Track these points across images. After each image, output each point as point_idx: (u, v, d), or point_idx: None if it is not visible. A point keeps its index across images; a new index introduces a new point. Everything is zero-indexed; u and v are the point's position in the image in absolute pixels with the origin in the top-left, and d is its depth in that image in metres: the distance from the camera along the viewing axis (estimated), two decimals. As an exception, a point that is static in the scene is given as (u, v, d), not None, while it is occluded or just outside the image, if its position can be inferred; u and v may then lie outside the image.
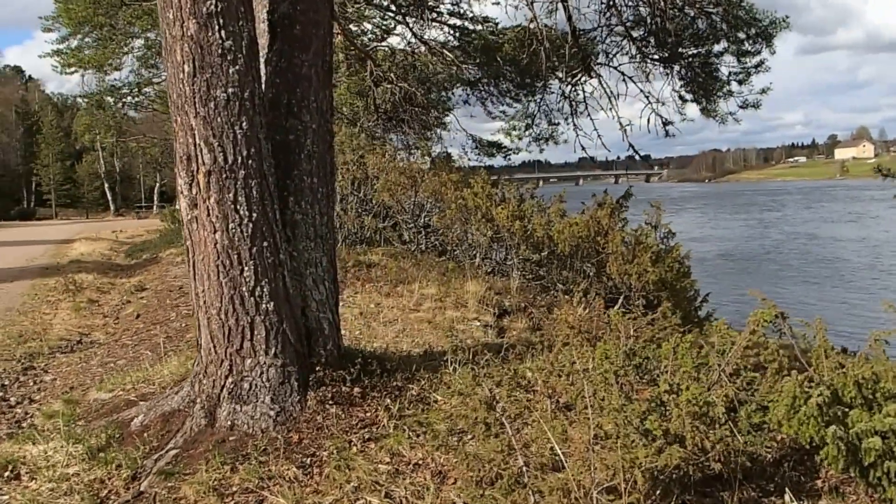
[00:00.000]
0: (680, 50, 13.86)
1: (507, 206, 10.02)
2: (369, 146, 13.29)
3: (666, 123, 14.34)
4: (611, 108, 13.78)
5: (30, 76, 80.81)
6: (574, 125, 14.93)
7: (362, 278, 9.45)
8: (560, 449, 3.25)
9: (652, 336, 5.47)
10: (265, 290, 4.48)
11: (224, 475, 3.88)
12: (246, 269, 4.43)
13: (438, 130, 18.02)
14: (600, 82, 14.01)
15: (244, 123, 4.41)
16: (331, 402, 4.56)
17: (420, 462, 3.96)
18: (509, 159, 24.14)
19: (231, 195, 4.38)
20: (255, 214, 4.44)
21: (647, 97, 14.11)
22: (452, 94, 18.02)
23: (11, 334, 8.15)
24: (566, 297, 9.28)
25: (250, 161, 4.43)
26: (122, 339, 7.48)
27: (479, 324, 7.60)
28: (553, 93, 17.35)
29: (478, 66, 18.95)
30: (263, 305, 4.48)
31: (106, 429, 4.54)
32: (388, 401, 4.64)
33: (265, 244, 4.48)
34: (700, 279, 11.10)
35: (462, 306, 8.27)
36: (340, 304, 8.66)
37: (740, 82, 14.40)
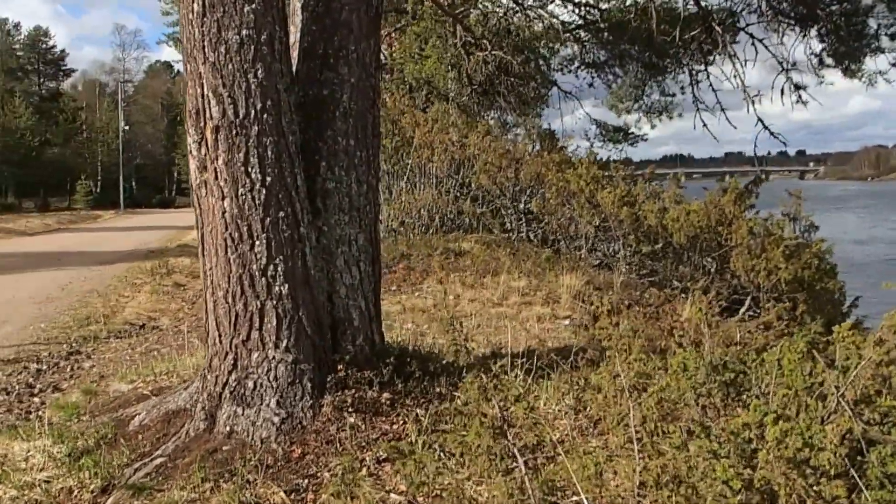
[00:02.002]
0: (821, 5, 12.04)
1: (613, 190, 8.96)
2: (467, 123, 12.51)
3: (798, 88, 12.58)
4: (735, 76, 12.23)
5: (178, 70, 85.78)
6: (695, 98, 13.45)
7: (448, 267, 8.70)
8: (589, 497, 2.36)
9: (766, 344, 4.38)
10: (279, 269, 3.79)
11: (200, 495, 3.23)
12: (257, 243, 3.76)
13: (539, 106, 16.90)
14: (724, 44, 12.46)
15: (259, 72, 3.74)
16: (350, 408, 3.81)
17: (444, 492, 3.15)
18: (635, 145, 22.64)
19: (241, 155, 3.72)
20: (269, 179, 3.76)
21: (779, 62, 12.45)
22: (553, 64, 16.80)
23: (79, 317, 8.02)
24: (682, 295, 8.16)
25: (266, 115, 3.76)
26: (182, 325, 7.14)
27: (568, 323, 6.67)
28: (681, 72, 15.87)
29: (603, 46, 17.71)
30: (276, 288, 3.80)
31: (102, 427, 4.02)
32: (422, 411, 3.85)
33: (281, 215, 3.80)
34: (859, 285, 9.59)
35: (553, 302, 7.35)
36: (412, 293, 8.05)
37: (893, 37, 12.31)
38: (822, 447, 2.30)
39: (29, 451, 3.77)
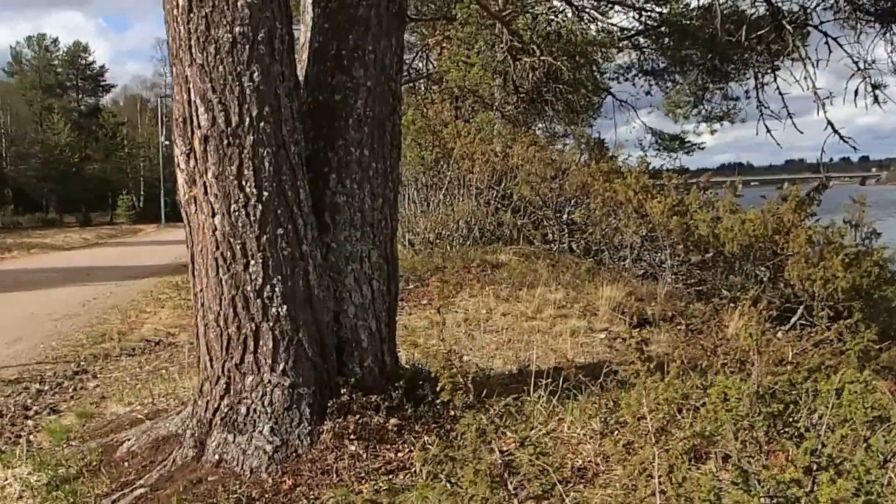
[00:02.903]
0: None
1: (663, 200, 8.71)
2: (512, 133, 12.36)
3: (876, 87, 12.08)
4: (805, 78, 11.84)
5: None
6: (760, 102, 13.05)
7: (483, 280, 8.57)
8: None
9: (821, 363, 4.14)
10: (277, 290, 3.71)
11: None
12: (252, 263, 3.69)
13: (589, 114, 16.61)
14: (792, 41, 12.07)
15: (255, 74, 3.66)
16: (352, 436, 3.70)
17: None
18: (692, 154, 22.20)
19: (234, 168, 3.65)
20: (266, 193, 3.68)
21: (854, 62, 11.99)
22: (607, 68, 16.46)
23: (93, 334, 8.11)
24: (731, 305, 7.86)
25: (262, 124, 3.69)
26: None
27: (604, 336, 6.47)
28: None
29: (663, 52, 17.30)
30: (273, 309, 3.72)
31: (88, 454, 3.99)
32: (431, 438, 3.72)
33: (280, 232, 3.72)
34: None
35: (591, 314, 7.16)
36: (443, 307, 7.93)
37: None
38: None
39: (6, 480, 3.76)
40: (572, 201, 10.70)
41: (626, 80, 18.68)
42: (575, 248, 10.39)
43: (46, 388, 5.86)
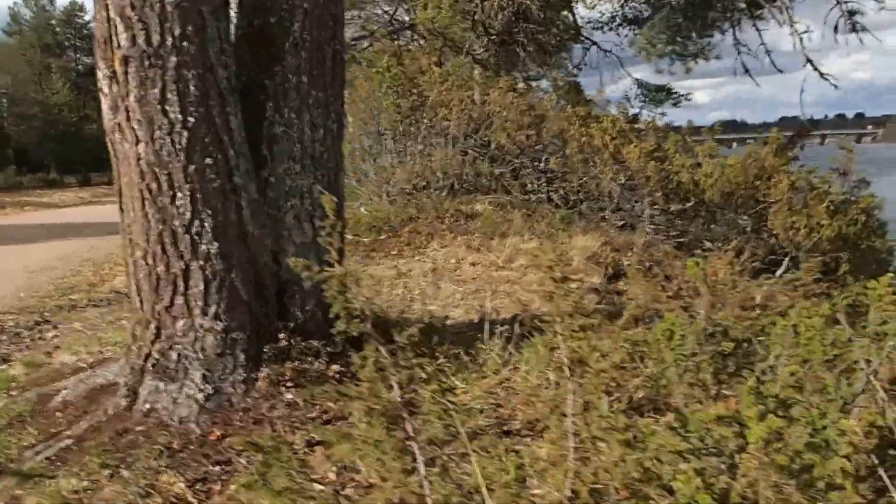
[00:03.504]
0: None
1: (640, 144, 8.26)
2: (490, 81, 11.81)
3: (853, 14, 11.50)
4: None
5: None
6: (736, 40, 12.46)
7: (456, 230, 8.15)
8: None
9: (791, 306, 3.76)
10: (207, 225, 3.30)
11: (93, 484, 2.79)
12: (179, 195, 3.27)
13: (562, 55, 15.90)
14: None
15: (178, -10, 3.22)
16: (289, 384, 3.33)
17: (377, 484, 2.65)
18: (678, 105, 21.67)
19: (156, 91, 3.21)
20: (191, 120, 3.25)
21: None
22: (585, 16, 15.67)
23: (63, 286, 7.70)
24: (714, 256, 7.48)
25: (186, 44, 3.24)
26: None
27: (576, 286, 6.06)
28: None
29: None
30: (203, 247, 3.31)
31: (23, 404, 3.62)
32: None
33: (208, 162, 3.29)
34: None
35: (564, 265, 6.74)
36: (412, 257, 7.53)
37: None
38: (835, 449, 1.70)
39: (-64, 431, 3.39)
40: (549, 149, 10.23)
41: (610, 29, 17.99)
42: (553, 198, 9.95)
43: (3, 337, 5.47)
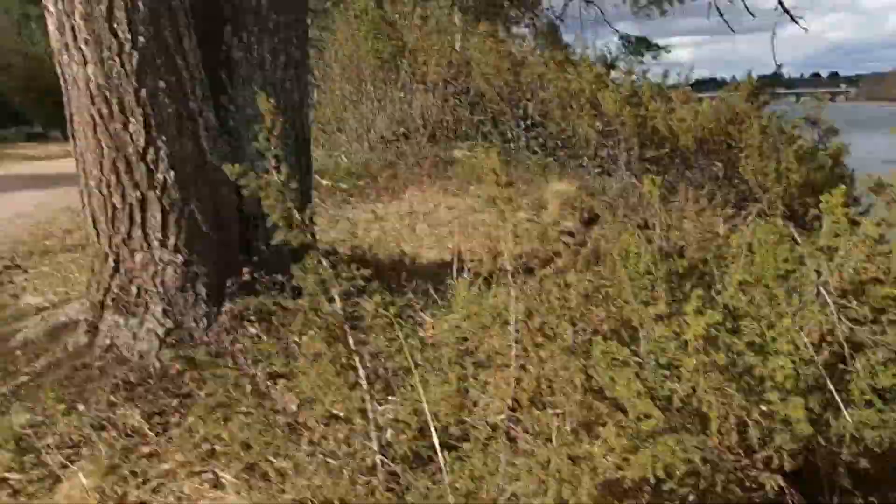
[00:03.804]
0: None
1: (616, 90, 8.03)
2: (467, 24, 11.46)
3: None
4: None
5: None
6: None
7: (434, 176, 7.93)
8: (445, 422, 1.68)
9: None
10: (162, 152, 3.07)
11: (48, 419, 2.62)
12: (132, 120, 3.03)
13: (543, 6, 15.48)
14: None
15: None
16: (253, 318, 3.15)
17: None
18: (657, 57, 21.49)
19: (103, 8, 2.94)
20: (141, 39, 2.99)
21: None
22: None
23: (37, 232, 7.42)
24: (685, 203, 7.33)
25: (135, -42, 2.98)
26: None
27: (550, 230, 5.91)
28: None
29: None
30: (160, 175, 3.09)
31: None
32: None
33: (161, 85, 3.05)
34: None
35: (540, 208, 6.58)
36: (390, 201, 7.33)
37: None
38: (776, 350, 1.56)
39: None
40: (528, 95, 9.96)
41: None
42: (532, 145, 9.73)
43: (-27, 283, 5.23)
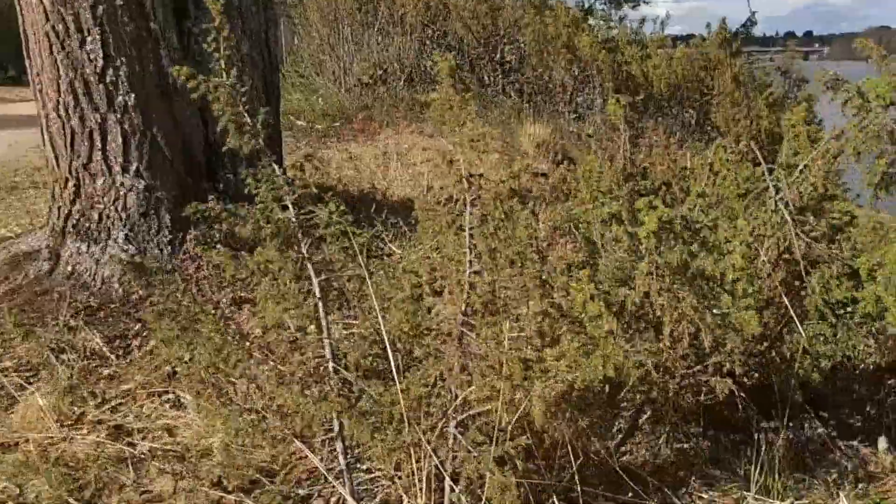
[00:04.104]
0: None
1: (593, 34, 7.88)
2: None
3: None
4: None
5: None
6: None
7: (410, 119, 7.78)
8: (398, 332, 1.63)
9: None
10: (122, 73, 2.93)
11: (5, 343, 2.53)
12: (89, 39, 2.87)
13: None
14: None
15: None
16: (218, 245, 3.05)
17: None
18: (636, 8, 21.21)
19: (58, -80, 2.77)
20: (99, -48, 2.83)
21: None
22: None
23: (6, 170, 7.20)
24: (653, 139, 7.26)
25: None
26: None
27: (524, 170, 5.82)
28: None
29: None
30: (120, 98, 2.94)
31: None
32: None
33: (118, 3, 2.89)
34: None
35: (515, 150, 6.49)
36: (364, 143, 7.19)
37: None
38: (728, 251, 1.52)
39: None
40: (506, 40, 9.75)
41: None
42: (509, 90, 9.57)
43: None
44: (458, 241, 1.68)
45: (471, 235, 1.60)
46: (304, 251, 1.69)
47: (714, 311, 1.64)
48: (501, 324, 1.61)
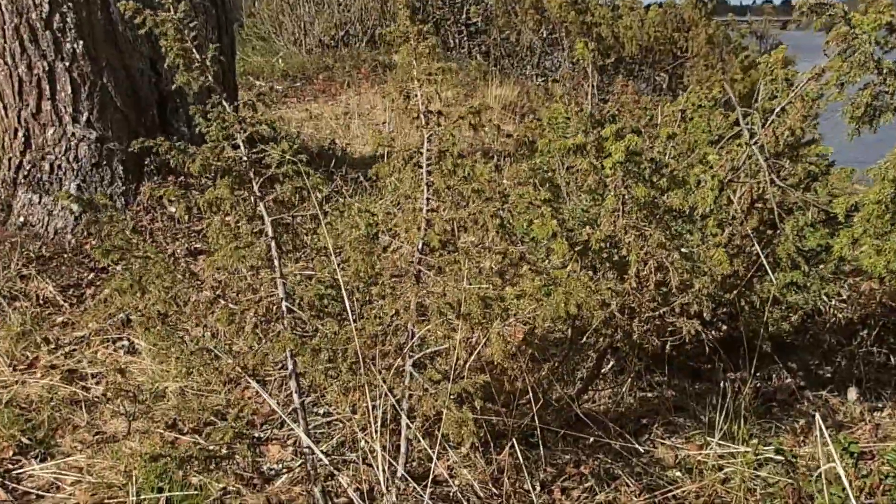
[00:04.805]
0: None
1: (562, -7, 7.92)
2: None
3: None
4: None
5: None
6: None
7: (373, 79, 7.79)
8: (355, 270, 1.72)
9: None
10: (69, 20, 2.94)
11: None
12: (35, -17, 2.89)
13: None
14: None
15: None
16: (173, 198, 3.10)
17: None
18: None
19: None
20: None
21: None
22: None
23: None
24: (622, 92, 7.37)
25: None
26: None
27: (488, 129, 5.91)
28: None
29: None
30: (68, 45, 2.96)
31: None
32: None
33: (66, -54, 2.90)
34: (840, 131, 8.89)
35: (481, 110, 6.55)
36: (325, 102, 7.21)
37: None
38: (699, 184, 1.62)
39: None
40: (472, 0, 9.77)
41: None
42: (475, 53, 9.60)
43: None
44: (414, 178, 1.76)
45: (428, 172, 1.68)
46: (255, 190, 1.76)
47: (682, 249, 1.72)
48: (460, 262, 1.69)
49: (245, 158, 1.81)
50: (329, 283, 1.89)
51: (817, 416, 1.44)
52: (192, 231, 2.99)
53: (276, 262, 1.85)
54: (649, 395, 2.25)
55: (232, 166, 1.77)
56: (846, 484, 1.29)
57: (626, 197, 1.63)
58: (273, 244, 1.82)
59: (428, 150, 1.76)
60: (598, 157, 1.90)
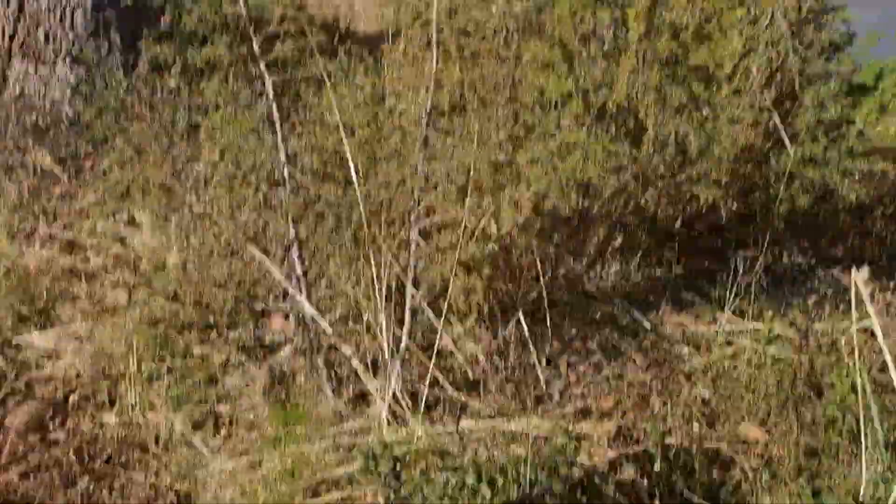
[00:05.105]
0: None
1: None
2: None
3: None
4: None
5: None
6: None
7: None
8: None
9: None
10: None
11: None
12: None
13: None
14: None
15: None
16: (173, 69, 3.02)
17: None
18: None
19: None
20: None
21: None
22: None
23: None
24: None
25: None
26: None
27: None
28: None
29: None
30: None
31: None
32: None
33: None
34: None
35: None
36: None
37: None
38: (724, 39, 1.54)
39: None
40: None
41: None
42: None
43: None
44: (423, 35, 1.67)
45: (439, 30, 1.60)
46: (255, 48, 1.69)
47: (704, 110, 1.64)
48: (470, 125, 1.63)
49: (244, 13, 1.72)
50: (333, 148, 1.84)
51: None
52: (193, 104, 2.91)
53: (277, 125, 1.80)
54: (658, 272, 2.23)
55: (230, 23, 1.68)
56: (857, 358, 1.27)
57: (647, 53, 1.55)
58: (274, 106, 1.77)
59: (439, 7, 1.66)
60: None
